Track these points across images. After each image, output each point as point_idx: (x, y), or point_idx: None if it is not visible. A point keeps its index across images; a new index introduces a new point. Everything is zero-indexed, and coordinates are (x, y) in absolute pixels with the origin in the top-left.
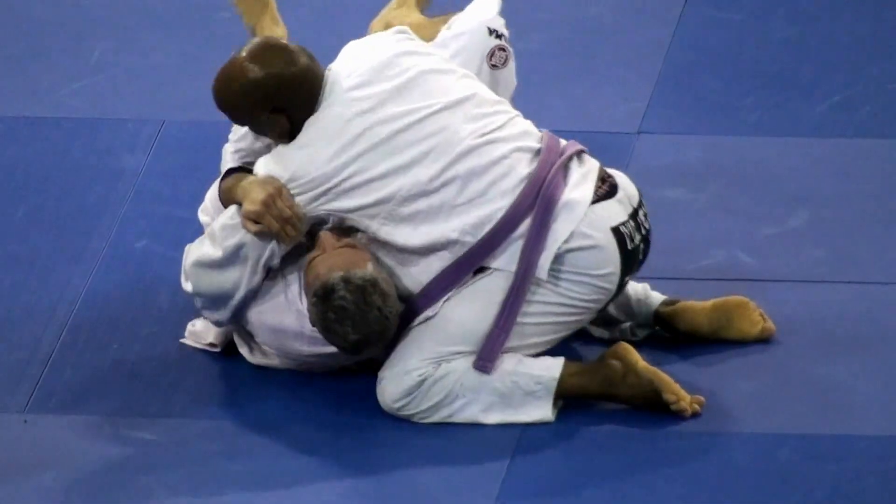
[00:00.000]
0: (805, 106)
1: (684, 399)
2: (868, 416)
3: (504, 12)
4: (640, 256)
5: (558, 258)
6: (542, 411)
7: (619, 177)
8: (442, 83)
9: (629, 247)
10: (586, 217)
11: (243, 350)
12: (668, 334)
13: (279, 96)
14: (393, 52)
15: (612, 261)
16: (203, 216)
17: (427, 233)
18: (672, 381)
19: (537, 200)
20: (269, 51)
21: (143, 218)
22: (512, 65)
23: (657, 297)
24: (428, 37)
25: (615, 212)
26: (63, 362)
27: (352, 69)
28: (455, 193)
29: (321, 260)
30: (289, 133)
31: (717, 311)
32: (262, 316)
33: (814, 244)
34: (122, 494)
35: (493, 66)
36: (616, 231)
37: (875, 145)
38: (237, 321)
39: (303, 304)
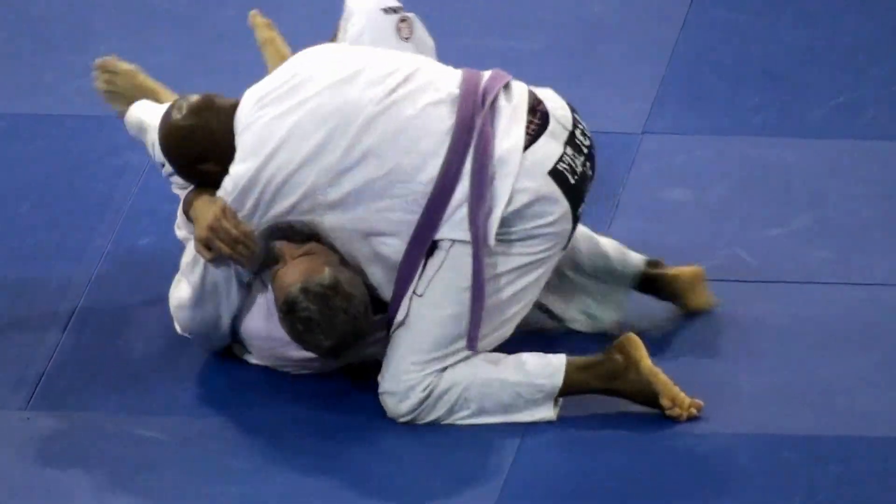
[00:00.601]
0: (810, 107)
1: (681, 405)
2: (871, 418)
3: (507, 11)
4: (588, 181)
5: (504, 221)
6: (545, 412)
7: (549, 100)
8: (335, 65)
9: (572, 181)
10: (522, 168)
11: (244, 354)
12: (649, 295)
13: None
14: (293, 58)
15: (558, 205)
16: (179, 232)
17: (367, 214)
18: (672, 384)
19: (467, 157)
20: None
21: (147, 215)
22: (419, 27)
23: (637, 258)
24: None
25: (550, 150)
26: (66, 359)
27: (259, 87)
28: (375, 168)
29: (283, 273)
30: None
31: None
32: (250, 327)
33: (818, 245)
34: (124, 492)
35: (406, 39)
36: (554, 173)
37: (880, 147)
38: (234, 338)
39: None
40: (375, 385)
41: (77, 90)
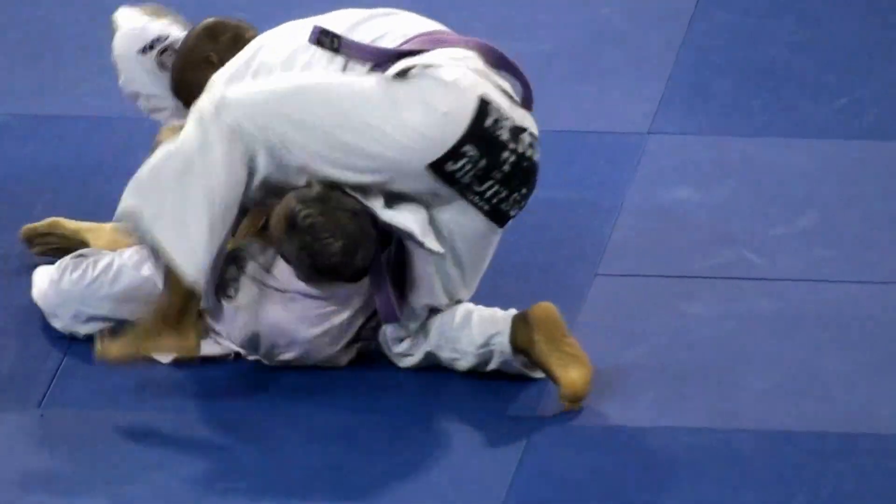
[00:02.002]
0: (813, 108)
1: (569, 402)
2: (875, 414)
3: (514, 13)
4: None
5: None
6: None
7: None
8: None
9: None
10: None
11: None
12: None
13: None
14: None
15: None
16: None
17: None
18: (564, 372)
19: None
20: None
21: None
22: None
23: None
24: None
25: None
26: (79, 357)
27: (224, 69)
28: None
29: (272, 216)
30: None
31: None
32: (258, 323)
33: (822, 244)
34: (137, 489)
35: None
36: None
37: (883, 147)
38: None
39: (284, 290)
40: (381, 383)
41: (90, 91)
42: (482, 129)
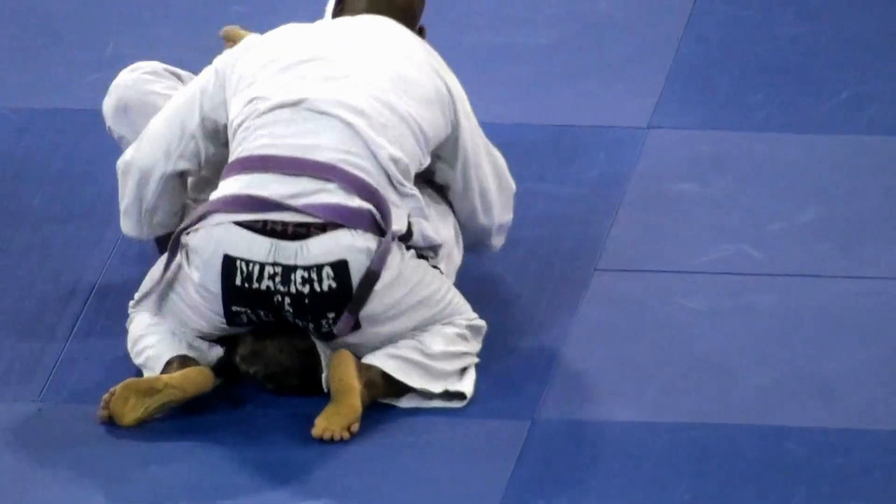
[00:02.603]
0: (815, 102)
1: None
2: (876, 410)
3: (514, 7)
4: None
5: None
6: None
7: None
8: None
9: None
10: None
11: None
12: None
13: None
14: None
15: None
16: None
17: None
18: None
19: None
20: None
21: None
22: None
23: None
24: None
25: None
26: (78, 352)
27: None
28: None
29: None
30: None
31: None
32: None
33: (822, 239)
34: (136, 485)
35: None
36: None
37: (884, 142)
38: None
39: None
40: None
41: (89, 85)
42: (236, 288)
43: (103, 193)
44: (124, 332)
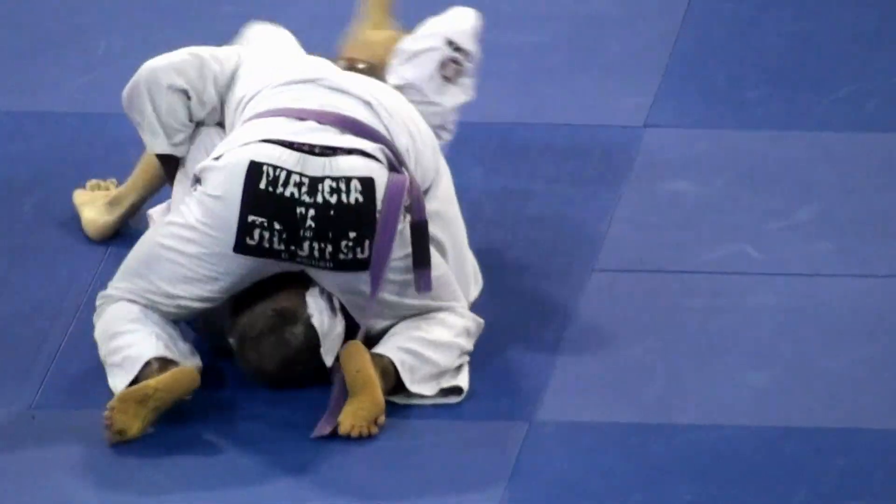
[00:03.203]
0: (812, 99)
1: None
2: (876, 410)
3: (508, 5)
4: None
5: None
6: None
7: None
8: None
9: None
10: None
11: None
12: None
13: None
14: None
15: None
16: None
17: None
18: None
19: None
20: None
21: None
22: (466, 81)
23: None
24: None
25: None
26: (71, 356)
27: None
28: None
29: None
30: None
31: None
32: None
33: (821, 237)
34: (131, 489)
35: (445, 78)
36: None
37: (882, 139)
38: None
39: None
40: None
41: (79, 87)
42: (258, 193)
43: None
44: None
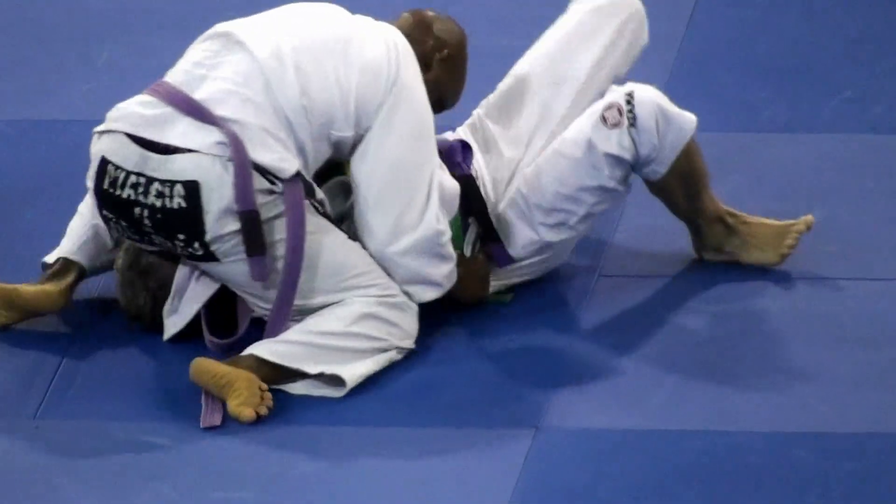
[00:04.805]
0: (819, 101)
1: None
2: (884, 414)
3: (514, 9)
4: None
5: None
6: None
7: None
8: None
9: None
10: None
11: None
12: None
13: None
14: None
15: None
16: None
17: None
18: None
19: None
20: None
21: None
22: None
23: None
24: None
25: None
26: (74, 367)
27: None
28: None
29: None
30: None
31: None
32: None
33: (828, 240)
34: (135, 500)
35: (603, 119)
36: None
37: (889, 141)
38: None
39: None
40: (380, 391)
41: (82, 95)
42: (104, 192)
43: None
44: (122, 347)
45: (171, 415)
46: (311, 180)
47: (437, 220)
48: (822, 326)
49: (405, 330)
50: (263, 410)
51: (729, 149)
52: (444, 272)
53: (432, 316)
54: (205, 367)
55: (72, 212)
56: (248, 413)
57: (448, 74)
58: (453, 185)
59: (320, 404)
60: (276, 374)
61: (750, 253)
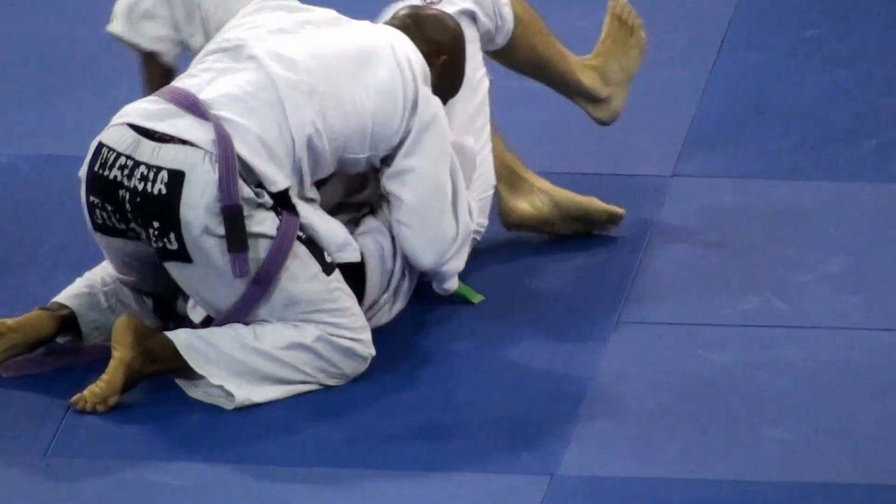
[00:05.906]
0: (841, 150)
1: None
2: None
3: None
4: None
5: None
6: None
7: None
8: None
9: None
10: None
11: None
12: None
13: None
14: None
15: None
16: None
17: None
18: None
19: None
20: None
21: None
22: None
23: None
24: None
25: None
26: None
27: None
28: None
29: None
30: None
31: None
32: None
33: (849, 290)
34: None
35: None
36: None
37: None
38: None
39: None
40: (395, 433)
41: (97, 131)
42: (94, 175)
43: None
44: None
45: (182, 454)
46: (296, 202)
47: (469, 216)
48: (843, 377)
49: (342, 372)
50: (96, 408)
51: (751, 196)
52: (465, 257)
53: (448, 358)
54: (122, 332)
55: (85, 249)
56: (80, 406)
57: (448, 78)
58: (470, 147)
59: (333, 445)
60: (179, 364)
61: (630, 63)
